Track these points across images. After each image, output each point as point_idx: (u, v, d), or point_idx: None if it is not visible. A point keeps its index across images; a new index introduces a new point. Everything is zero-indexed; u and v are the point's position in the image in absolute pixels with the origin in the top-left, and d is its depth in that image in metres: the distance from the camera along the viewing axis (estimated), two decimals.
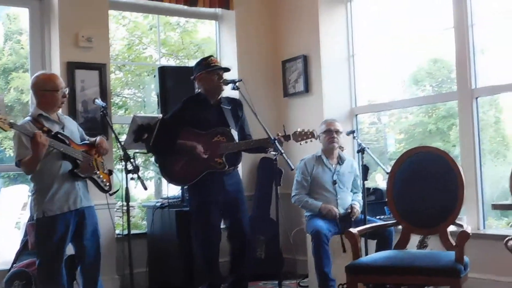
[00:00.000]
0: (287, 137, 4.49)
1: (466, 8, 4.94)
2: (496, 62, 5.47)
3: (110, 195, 4.30)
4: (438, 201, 3.83)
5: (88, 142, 4.27)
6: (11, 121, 3.69)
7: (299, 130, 4.53)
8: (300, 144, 4.58)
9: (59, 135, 3.98)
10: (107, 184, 4.28)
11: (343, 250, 4.86)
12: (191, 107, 4.58)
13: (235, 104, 4.71)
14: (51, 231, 4.02)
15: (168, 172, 4.59)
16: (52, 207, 4.01)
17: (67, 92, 4.20)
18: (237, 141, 4.54)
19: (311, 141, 4.60)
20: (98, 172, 4.20)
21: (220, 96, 4.63)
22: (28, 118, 4.05)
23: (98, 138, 4.25)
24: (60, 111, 4.27)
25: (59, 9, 5.33)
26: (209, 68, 4.53)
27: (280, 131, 4.53)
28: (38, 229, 4.09)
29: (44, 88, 4.08)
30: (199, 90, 4.65)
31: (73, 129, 4.24)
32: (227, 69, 4.63)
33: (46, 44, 5.47)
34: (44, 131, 3.88)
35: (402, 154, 4.12)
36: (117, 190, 4.36)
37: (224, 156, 4.47)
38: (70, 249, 4.22)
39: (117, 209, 5.51)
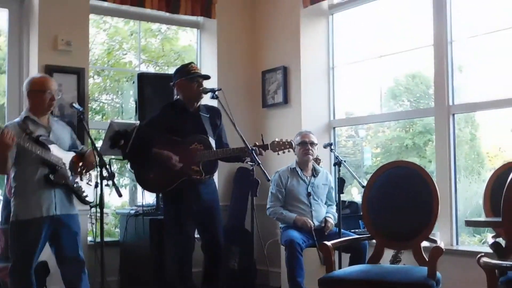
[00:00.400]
0: (265, 147, 4.47)
1: (445, 25, 5.00)
2: (473, 79, 5.54)
3: (90, 207, 4.23)
4: (412, 216, 3.84)
5: (77, 151, 4.23)
6: None
7: (277, 140, 4.53)
8: (278, 154, 4.57)
9: (40, 139, 3.94)
10: (87, 195, 4.21)
11: (321, 262, 4.84)
12: (169, 114, 4.55)
13: (214, 112, 4.69)
14: (21, 235, 3.98)
15: (143, 179, 4.55)
16: (25, 211, 3.96)
17: (57, 96, 4.15)
18: (214, 149, 4.53)
19: (288, 151, 4.58)
20: (77, 181, 4.15)
21: (198, 103, 4.61)
22: (17, 119, 4.05)
23: (88, 150, 4.22)
24: (51, 116, 4.20)
25: (39, 11, 5.28)
26: (189, 75, 4.51)
27: (258, 141, 4.53)
28: (10, 232, 4.06)
29: (31, 89, 4.06)
30: (178, 97, 4.63)
31: (62, 135, 4.18)
32: (207, 77, 4.62)
33: (25, 46, 5.42)
34: (26, 133, 3.87)
35: (379, 168, 4.14)
36: (96, 205, 4.29)
37: (201, 164, 4.45)
38: (44, 255, 4.16)
39: (90, 215, 5.45)
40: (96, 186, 4.17)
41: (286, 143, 4.53)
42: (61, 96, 4.24)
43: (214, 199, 4.67)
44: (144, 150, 4.40)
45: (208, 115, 4.63)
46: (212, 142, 4.53)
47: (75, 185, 4.12)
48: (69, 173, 4.10)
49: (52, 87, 4.10)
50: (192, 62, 4.70)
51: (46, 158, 3.93)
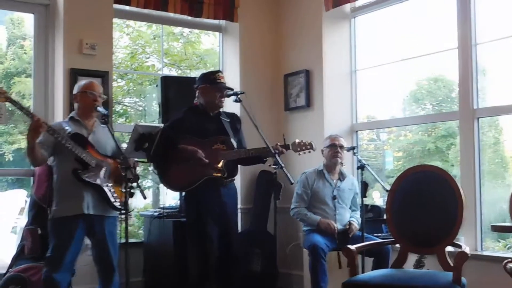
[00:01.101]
0: (286, 147, 4.51)
1: (470, 28, 4.95)
2: (496, 83, 5.49)
3: (120, 214, 4.24)
4: (436, 221, 3.82)
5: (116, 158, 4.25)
6: (11, 96, 3.88)
7: (297, 140, 4.56)
8: (299, 154, 4.59)
9: (77, 137, 4.04)
10: (117, 200, 4.20)
11: (339, 266, 4.84)
12: (191, 117, 4.59)
13: (234, 118, 4.73)
14: (54, 233, 4.09)
15: (167, 177, 4.57)
16: (58, 209, 4.08)
17: (100, 96, 4.24)
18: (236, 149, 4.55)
19: (309, 152, 4.61)
20: (110, 185, 4.19)
21: (219, 110, 4.65)
22: (66, 119, 4.27)
23: (133, 161, 4.27)
24: (98, 121, 4.28)
25: (64, 15, 5.35)
26: (214, 83, 4.55)
27: (280, 142, 4.54)
28: (49, 230, 4.18)
29: (76, 92, 4.26)
30: (199, 101, 4.66)
31: (103, 140, 4.25)
32: (230, 89, 4.64)
33: (50, 50, 5.49)
34: (64, 130, 4.03)
35: (403, 172, 4.12)
36: (131, 211, 4.32)
37: (224, 164, 4.48)
38: None
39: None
40: (130, 195, 4.13)
41: (307, 143, 4.57)
42: (105, 98, 4.33)
43: (234, 203, 4.70)
44: (168, 148, 4.43)
45: (228, 120, 4.66)
46: (234, 143, 4.56)
47: (105, 188, 4.15)
48: (102, 175, 4.14)
49: (94, 88, 4.23)
50: (219, 71, 4.73)
51: (77, 153, 4.00)
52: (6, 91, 3.83)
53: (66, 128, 4.08)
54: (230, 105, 4.98)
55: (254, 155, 4.48)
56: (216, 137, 4.51)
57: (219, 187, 4.50)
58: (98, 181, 4.12)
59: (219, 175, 4.46)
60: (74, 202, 4.05)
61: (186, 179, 4.47)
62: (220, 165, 4.45)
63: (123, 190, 4.09)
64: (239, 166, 4.74)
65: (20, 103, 3.88)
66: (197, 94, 4.68)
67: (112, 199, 4.16)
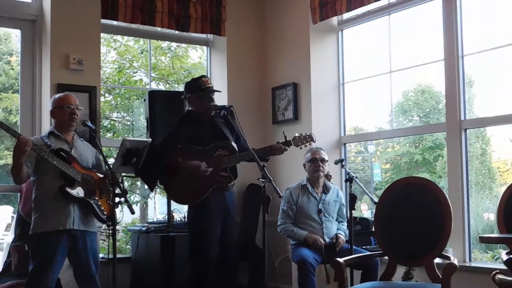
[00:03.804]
0: (288, 143, 4.55)
1: (456, 39, 4.98)
2: (483, 94, 5.53)
3: (108, 226, 4.23)
4: (424, 233, 3.82)
5: (98, 171, 4.23)
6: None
7: (297, 135, 4.59)
8: (300, 148, 4.62)
9: (61, 152, 4.00)
10: (105, 213, 4.17)
11: (327, 281, 4.83)
12: (186, 126, 4.58)
13: (226, 114, 4.60)
14: (36, 249, 4.02)
15: (175, 193, 4.57)
16: (43, 224, 4.00)
17: (77, 108, 4.18)
18: (238, 153, 4.55)
19: (310, 144, 4.67)
20: (96, 199, 4.16)
21: (210, 116, 4.63)
22: (42, 134, 4.19)
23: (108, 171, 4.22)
24: (76, 135, 4.26)
25: (51, 31, 5.34)
26: (199, 91, 4.54)
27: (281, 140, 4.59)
28: (29, 245, 4.14)
29: (53, 107, 4.19)
30: (190, 109, 4.66)
31: (84, 153, 4.22)
32: (218, 91, 4.64)
33: (37, 65, 5.48)
34: (47, 145, 3.97)
35: (391, 184, 4.13)
36: (118, 223, 4.32)
37: (229, 169, 4.48)
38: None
39: (102, 232, 5.46)
40: (115, 206, 4.15)
41: (307, 136, 4.61)
42: (81, 110, 4.27)
43: (235, 208, 4.74)
44: (169, 165, 4.42)
45: (222, 120, 4.65)
46: (235, 146, 4.56)
47: (92, 201, 4.13)
48: (87, 189, 4.11)
49: (72, 102, 4.17)
50: (203, 76, 4.71)
51: (63, 170, 3.97)
52: None
53: (49, 143, 4.03)
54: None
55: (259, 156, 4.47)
56: (216, 144, 4.52)
57: (223, 191, 4.53)
58: (84, 196, 4.09)
59: (226, 181, 4.47)
60: (58, 218, 4.00)
61: (194, 192, 4.47)
62: (225, 173, 4.46)
63: (109, 202, 4.09)
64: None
65: (6, 125, 3.85)
66: (186, 103, 4.68)
67: (99, 212, 4.14)
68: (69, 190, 4.00)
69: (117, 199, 4.04)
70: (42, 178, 4.04)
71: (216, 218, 4.48)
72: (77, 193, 4.04)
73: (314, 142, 4.75)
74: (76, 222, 4.05)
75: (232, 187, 4.65)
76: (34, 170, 4.03)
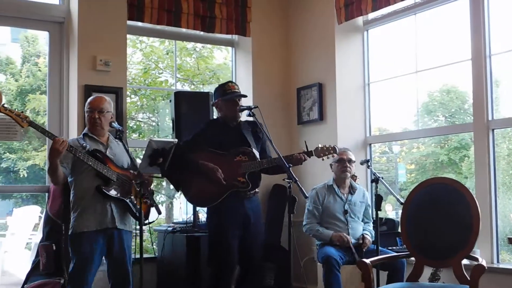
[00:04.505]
0: (309, 153, 4.52)
1: (484, 39, 4.93)
2: (510, 94, 5.47)
3: (145, 224, 4.25)
4: (452, 234, 3.79)
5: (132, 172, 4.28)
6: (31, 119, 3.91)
7: (320, 146, 4.56)
8: (322, 159, 4.58)
9: (96, 153, 4.08)
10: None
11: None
12: (212, 130, 4.62)
13: (255, 126, 4.69)
14: (76, 248, 4.08)
15: (191, 193, 4.58)
16: (80, 224, 4.08)
17: (99, 111, 4.21)
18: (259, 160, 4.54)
19: (332, 156, 4.61)
20: (132, 197, 4.21)
21: (238, 121, 4.66)
22: (80, 136, 4.29)
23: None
24: (111, 136, 4.35)
25: (79, 33, 5.41)
26: (225, 95, 4.58)
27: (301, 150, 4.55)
28: (69, 245, 4.17)
29: (85, 110, 4.30)
30: (219, 115, 4.69)
31: (119, 154, 4.30)
32: (244, 96, 4.66)
33: (64, 66, 5.55)
34: (82, 146, 4.07)
35: (417, 185, 4.11)
36: (153, 221, 4.44)
37: (247, 175, 4.49)
38: None
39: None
40: (150, 206, 4.26)
41: (330, 148, 4.56)
42: (110, 113, 4.32)
43: (259, 215, 4.68)
44: (184, 165, 4.45)
45: (250, 129, 4.67)
46: (256, 154, 4.56)
47: (128, 201, 4.18)
48: (123, 188, 4.16)
49: (92, 105, 4.23)
50: (229, 81, 4.75)
51: (99, 170, 4.04)
52: (28, 116, 3.89)
53: (84, 144, 4.11)
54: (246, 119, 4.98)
55: (277, 164, 4.47)
56: (237, 149, 4.53)
57: (242, 199, 4.50)
58: (120, 195, 4.15)
59: (243, 187, 4.47)
60: (97, 217, 4.08)
61: (211, 194, 4.47)
62: (242, 179, 4.47)
63: (146, 201, 4.17)
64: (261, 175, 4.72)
65: (42, 127, 3.96)
66: (215, 110, 4.72)
67: (135, 211, 4.19)
68: (105, 189, 4.06)
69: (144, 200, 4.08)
70: (78, 178, 4.12)
71: (233, 226, 4.45)
72: (114, 192, 4.11)
73: (338, 155, 4.71)
74: (114, 222, 4.12)
75: (255, 196, 4.61)
76: (71, 171, 4.12)
